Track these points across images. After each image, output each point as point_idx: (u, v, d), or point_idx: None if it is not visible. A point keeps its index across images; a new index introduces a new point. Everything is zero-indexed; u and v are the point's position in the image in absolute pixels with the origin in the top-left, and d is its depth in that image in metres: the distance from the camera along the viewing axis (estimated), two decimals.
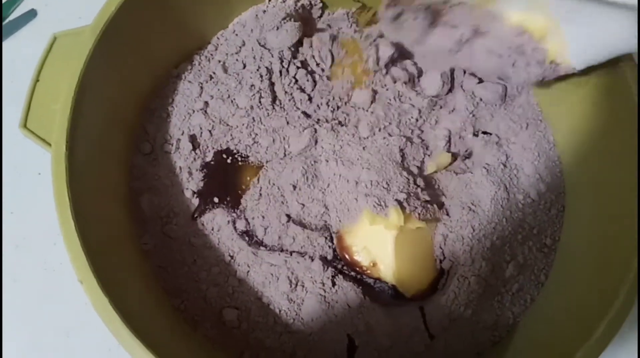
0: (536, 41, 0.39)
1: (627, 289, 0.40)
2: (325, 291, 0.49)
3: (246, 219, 0.52)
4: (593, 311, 0.42)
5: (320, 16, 0.61)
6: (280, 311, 0.49)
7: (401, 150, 0.53)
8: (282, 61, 0.54)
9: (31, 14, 0.66)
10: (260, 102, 0.54)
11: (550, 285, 0.51)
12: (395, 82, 0.55)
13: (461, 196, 0.52)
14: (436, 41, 0.47)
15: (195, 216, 0.52)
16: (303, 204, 0.52)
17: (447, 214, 0.52)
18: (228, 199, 0.53)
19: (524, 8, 0.38)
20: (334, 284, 0.49)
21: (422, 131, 0.55)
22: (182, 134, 0.53)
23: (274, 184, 0.53)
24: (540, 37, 0.39)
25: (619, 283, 0.41)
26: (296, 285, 0.49)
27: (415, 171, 0.53)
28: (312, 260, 0.50)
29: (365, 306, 0.48)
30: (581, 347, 0.39)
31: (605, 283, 0.43)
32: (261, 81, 0.54)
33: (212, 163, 0.54)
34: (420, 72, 0.55)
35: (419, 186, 0.51)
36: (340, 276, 0.50)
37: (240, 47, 0.56)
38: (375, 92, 0.55)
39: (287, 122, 0.54)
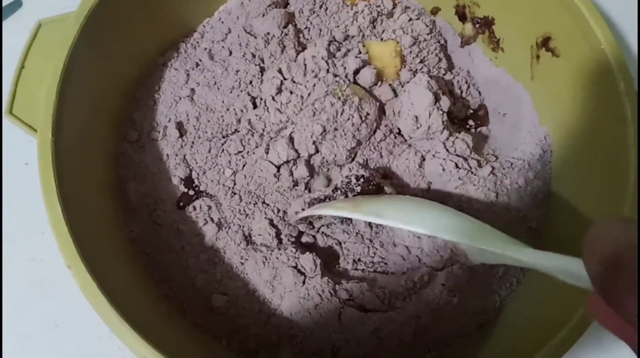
0: None
1: None
2: (304, 290, 0.48)
3: None
4: (575, 293, 0.42)
5: None
6: (264, 299, 0.49)
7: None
8: (268, 48, 0.54)
9: (16, 4, 0.66)
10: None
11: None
12: None
13: None
14: None
15: (182, 204, 0.52)
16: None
17: None
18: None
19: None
20: (309, 279, 0.48)
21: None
22: (169, 121, 0.53)
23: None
24: None
25: None
26: (275, 275, 0.49)
27: None
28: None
29: (346, 310, 0.48)
30: (564, 326, 0.40)
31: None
32: (247, 67, 0.54)
33: None
34: None
35: None
36: (319, 272, 0.49)
37: (226, 35, 0.57)
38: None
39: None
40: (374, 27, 0.58)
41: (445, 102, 0.51)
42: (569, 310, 0.41)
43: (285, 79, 0.53)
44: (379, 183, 0.51)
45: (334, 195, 0.50)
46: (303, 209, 0.49)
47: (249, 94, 0.53)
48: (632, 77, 0.45)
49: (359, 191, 0.49)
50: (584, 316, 0.40)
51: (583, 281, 0.30)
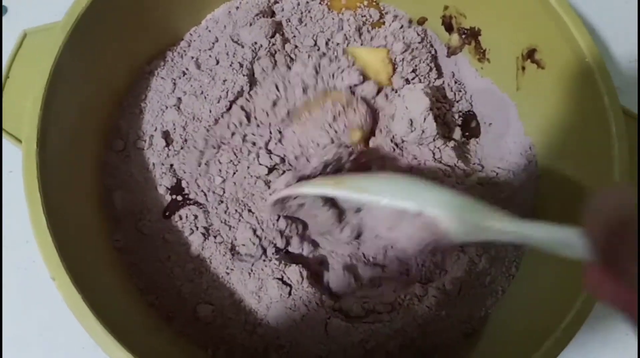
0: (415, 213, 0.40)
1: None
2: (290, 300, 0.48)
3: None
4: (560, 301, 0.43)
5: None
6: (250, 309, 0.49)
7: None
8: (255, 57, 0.55)
9: (1, 10, 0.65)
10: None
11: (520, 276, 0.52)
12: None
13: None
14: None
15: (168, 213, 0.52)
16: None
17: None
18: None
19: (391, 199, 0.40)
20: (295, 290, 0.48)
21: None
22: (155, 130, 0.53)
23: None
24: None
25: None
26: (261, 286, 0.49)
27: None
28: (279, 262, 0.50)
29: (332, 321, 0.48)
30: (550, 335, 0.40)
31: (571, 276, 0.44)
32: (234, 76, 0.53)
33: None
34: None
35: None
36: (305, 284, 0.48)
37: (213, 44, 0.56)
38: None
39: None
40: (360, 35, 0.58)
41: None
42: (555, 318, 0.41)
43: (280, 95, 0.54)
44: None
45: (325, 171, 0.48)
46: (286, 187, 0.47)
47: (242, 109, 0.53)
48: (615, 90, 0.45)
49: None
50: (570, 325, 0.41)
51: (577, 251, 0.30)
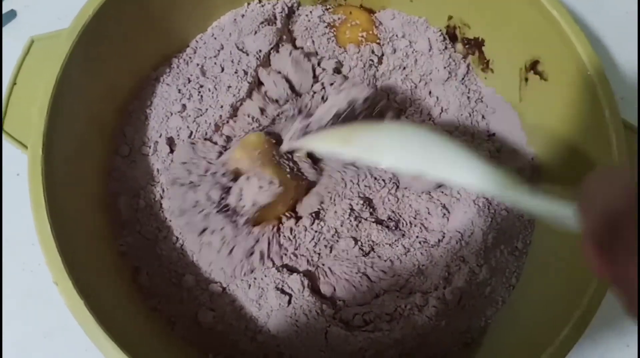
0: None
1: (591, 292, 0.41)
2: (291, 309, 0.48)
3: None
4: (560, 313, 0.43)
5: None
6: (250, 317, 0.49)
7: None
8: (259, 65, 0.55)
9: (11, 15, 0.66)
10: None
11: (520, 287, 0.52)
12: None
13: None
14: None
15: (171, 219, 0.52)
16: None
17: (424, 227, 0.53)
18: None
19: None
20: (296, 299, 0.48)
21: None
22: (160, 136, 0.53)
23: None
24: None
25: (584, 286, 0.42)
26: (262, 294, 0.49)
27: None
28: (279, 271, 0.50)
29: (332, 330, 0.48)
30: (548, 347, 0.40)
31: (571, 287, 0.44)
32: (239, 84, 0.54)
33: None
34: None
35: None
36: (306, 293, 0.49)
37: (218, 51, 0.57)
38: None
39: None
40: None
41: None
42: (555, 329, 0.41)
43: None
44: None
45: (337, 121, 0.47)
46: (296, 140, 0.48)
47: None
48: (616, 104, 0.45)
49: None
50: (569, 336, 0.41)
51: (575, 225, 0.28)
